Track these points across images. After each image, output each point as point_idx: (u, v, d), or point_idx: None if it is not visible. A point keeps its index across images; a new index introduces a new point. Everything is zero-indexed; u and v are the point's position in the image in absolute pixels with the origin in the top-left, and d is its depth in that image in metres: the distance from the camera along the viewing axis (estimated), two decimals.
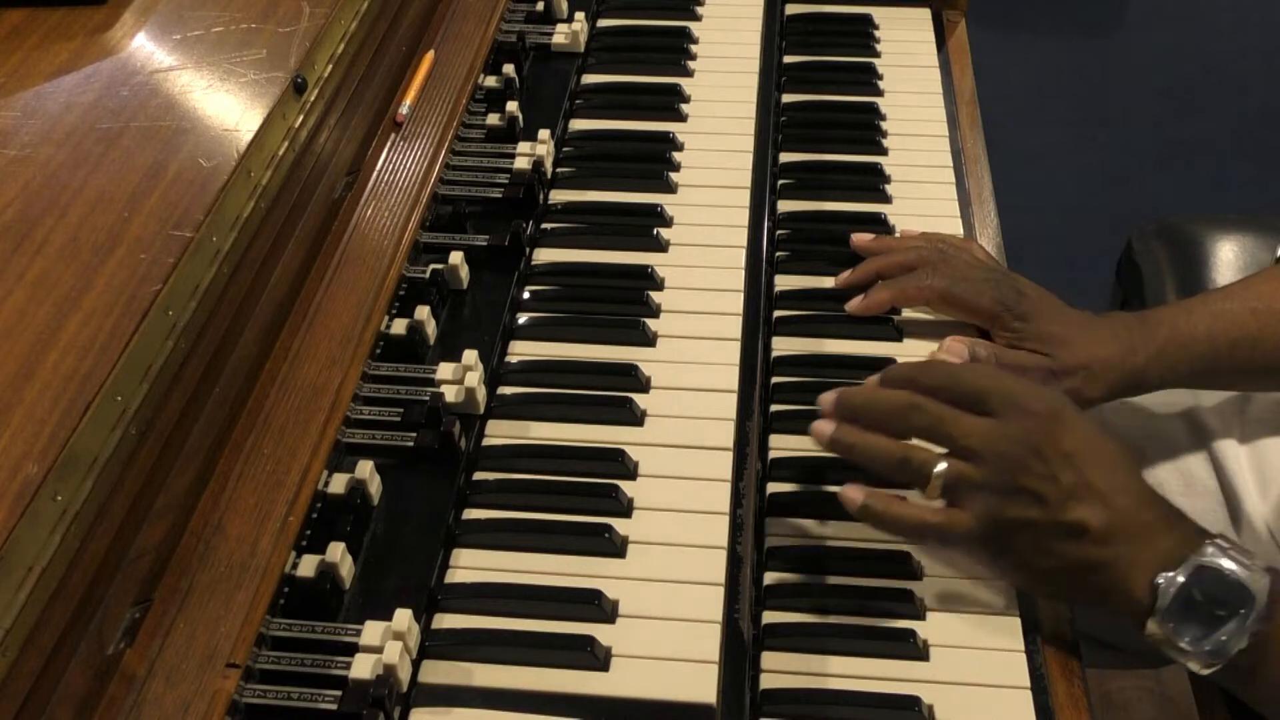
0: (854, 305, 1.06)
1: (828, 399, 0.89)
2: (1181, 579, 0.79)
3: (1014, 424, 0.83)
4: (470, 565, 0.84)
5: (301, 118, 0.92)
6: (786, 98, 1.32)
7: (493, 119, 1.13)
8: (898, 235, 1.13)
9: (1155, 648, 0.81)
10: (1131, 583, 0.81)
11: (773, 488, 0.95)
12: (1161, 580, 0.80)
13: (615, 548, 0.84)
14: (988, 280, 1.05)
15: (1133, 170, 2.78)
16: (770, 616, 0.86)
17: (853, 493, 0.86)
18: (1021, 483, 0.82)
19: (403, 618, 0.75)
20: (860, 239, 1.11)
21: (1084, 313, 1.06)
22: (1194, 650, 0.80)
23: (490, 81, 1.17)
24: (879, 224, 1.14)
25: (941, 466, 0.83)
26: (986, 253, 1.11)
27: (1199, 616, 0.79)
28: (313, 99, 0.94)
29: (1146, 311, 1.07)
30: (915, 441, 0.86)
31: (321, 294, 0.92)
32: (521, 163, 1.09)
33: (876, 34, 1.39)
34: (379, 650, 0.74)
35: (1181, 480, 1.15)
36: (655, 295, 1.03)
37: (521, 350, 0.99)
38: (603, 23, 1.35)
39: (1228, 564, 0.79)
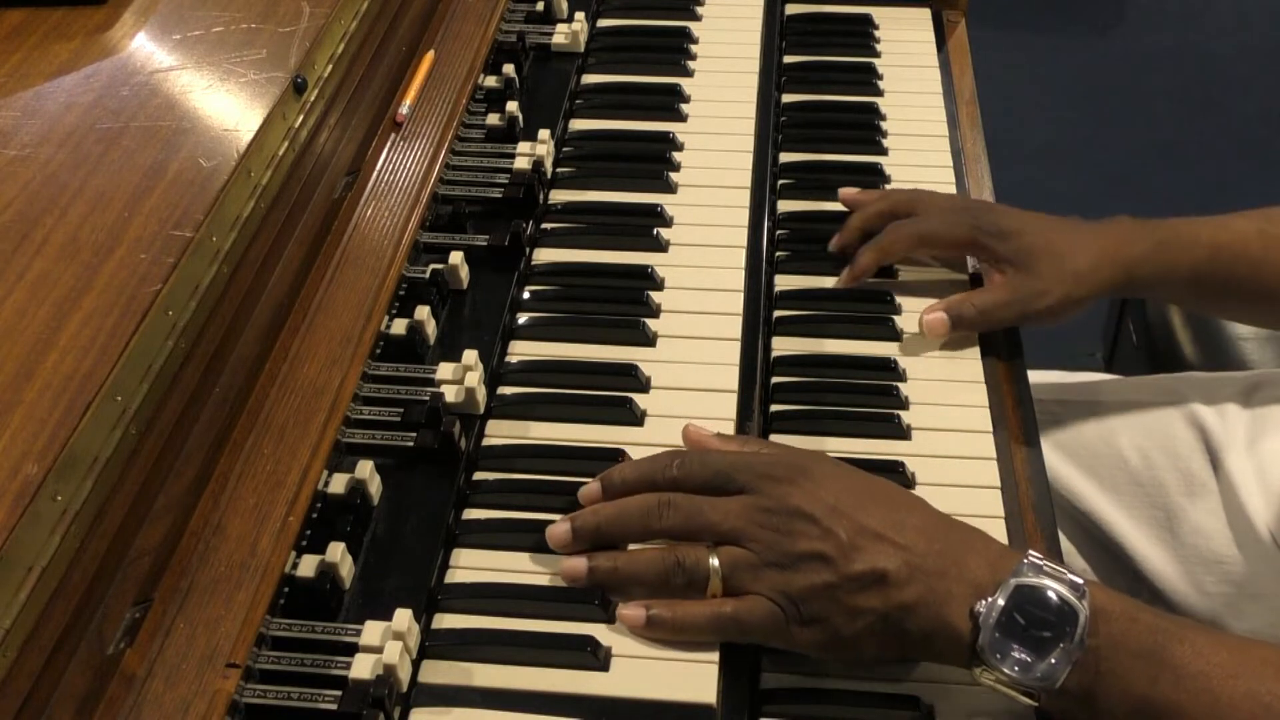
0: (843, 279, 1.08)
1: (559, 533, 0.82)
2: (1001, 603, 0.74)
3: (767, 494, 0.79)
4: (470, 565, 0.84)
5: (301, 118, 0.92)
6: (786, 98, 1.31)
7: (493, 119, 1.13)
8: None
9: (986, 688, 0.76)
10: (949, 617, 0.75)
11: None
12: (980, 608, 0.74)
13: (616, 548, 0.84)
14: (961, 210, 1.06)
15: (1133, 170, 2.78)
16: None
17: (632, 611, 0.79)
18: (799, 549, 0.77)
19: (403, 618, 0.75)
20: (847, 192, 1.13)
21: (1073, 219, 1.06)
22: (1024, 678, 0.73)
23: (490, 81, 1.17)
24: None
25: (714, 560, 0.78)
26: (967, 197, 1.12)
27: (1024, 641, 0.73)
28: (313, 99, 0.94)
29: (1153, 219, 1.06)
30: None
31: (321, 294, 0.92)
32: (521, 163, 1.09)
33: (876, 34, 1.39)
34: (379, 650, 0.74)
35: (1181, 480, 1.15)
36: (655, 295, 1.03)
37: (521, 350, 0.99)
38: (603, 23, 1.35)
39: (1046, 581, 0.75)
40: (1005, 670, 0.74)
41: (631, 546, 0.83)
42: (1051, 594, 0.74)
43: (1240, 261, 1.03)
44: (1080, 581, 0.75)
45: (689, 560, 0.79)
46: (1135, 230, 1.04)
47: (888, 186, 1.19)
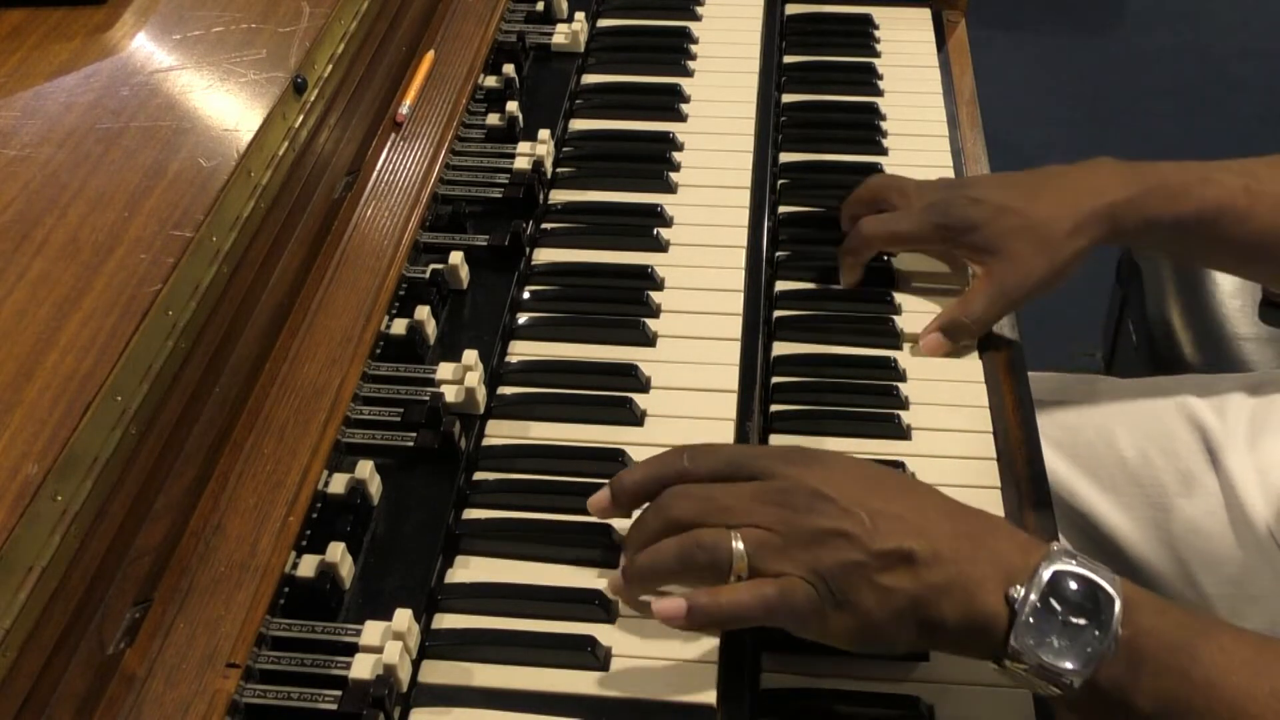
0: (843, 283, 1.08)
1: (614, 581, 0.80)
2: (1038, 589, 0.72)
3: (782, 476, 0.77)
4: (470, 565, 0.84)
5: (301, 118, 0.92)
6: (786, 98, 1.31)
7: (493, 119, 1.13)
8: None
9: (1013, 677, 0.74)
10: (983, 601, 0.73)
11: None
12: (1015, 593, 0.72)
13: (616, 547, 0.84)
14: (929, 206, 1.04)
15: None
16: None
17: (669, 604, 0.75)
18: (821, 525, 0.74)
19: (403, 618, 0.75)
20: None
21: (1052, 170, 1.05)
22: (1057, 665, 0.71)
23: (490, 81, 1.17)
24: None
25: (738, 543, 0.75)
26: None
27: (1058, 628, 0.72)
28: (313, 99, 0.94)
29: (1140, 162, 1.04)
30: None
31: (321, 294, 0.92)
32: (521, 163, 1.09)
33: (876, 34, 1.39)
34: (379, 650, 0.74)
35: (1181, 481, 1.14)
36: (655, 295, 1.03)
37: (521, 350, 0.99)
38: (603, 23, 1.35)
39: (1080, 569, 0.73)
40: (1040, 656, 0.72)
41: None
42: (1087, 581, 0.73)
43: (1225, 216, 1.01)
44: (1112, 573, 0.74)
45: (708, 539, 0.75)
46: (1117, 175, 1.02)
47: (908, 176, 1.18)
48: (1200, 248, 1.07)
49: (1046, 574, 0.73)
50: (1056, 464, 1.17)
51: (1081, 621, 0.72)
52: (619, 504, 0.81)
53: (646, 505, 0.80)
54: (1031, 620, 0.72)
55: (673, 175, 1.14)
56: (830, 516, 0.74)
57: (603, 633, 0.79)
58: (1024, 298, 1.03)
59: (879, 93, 1.31)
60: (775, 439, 0.97)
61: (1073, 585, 0.73)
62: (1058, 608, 0.72)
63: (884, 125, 1.27)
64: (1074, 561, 0.74)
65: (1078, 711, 0.75)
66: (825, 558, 0.74)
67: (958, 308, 1.03)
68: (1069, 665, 0.71)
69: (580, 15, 1.28)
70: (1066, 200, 1.02)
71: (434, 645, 0.78)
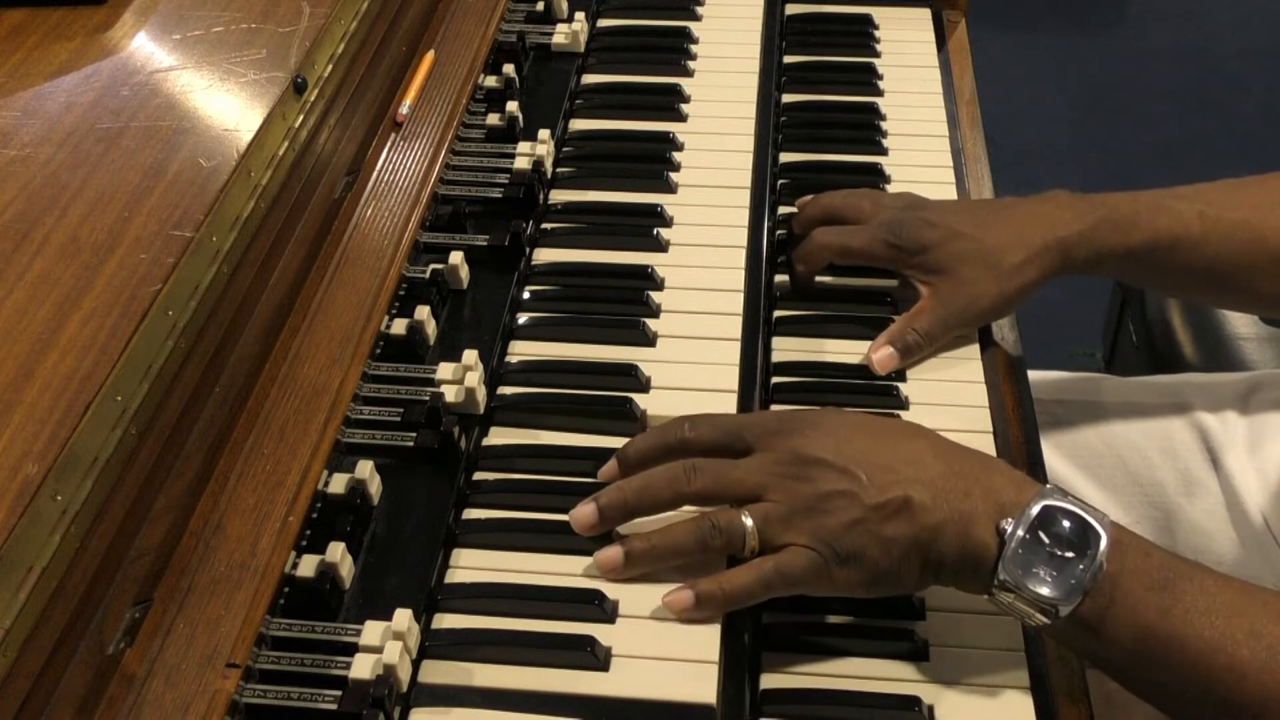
0: (793, 291, 1.09)
1: (585, 515, 0.83)
2: (1027, 521, 0.76)
3: (779, 447, 0.81)
4: (470, 565, 0.84)
5: (301, 118, 0.92)
6: (786, 98, 1.31)
7: (493, 119, 1.13)
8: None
9: (1004, 608, 0.78)
10: (975, 534, 0.77)
11: None
12: (1006, 525, 0.77)
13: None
14: (883, 225, 1.05)
15: (1133, 170, 2.78)
16: (770, 617, 0.86)
17: (678, 595, 0.80)
18: (822, 490, 0.79)
19: (403, 618, 0.75)
20: (801, 200, 1.13)
21: (1005, 201, 1.06)
22: (1043, 595, 0.75)
23: (490, 81, 1.17)
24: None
25: (747, 519, 0.79)
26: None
27: (1046, 560, 0.76)
28: (313, 99, 0.94)
29: (1093, 194, 1.05)
30: None
31: (321, 294, 0.92)
32: (521, 163, 1.09)
33: (876, 34, 1.39)
34: (379, 650, 0.73)
35: (1180, 480, 1.15)
36: (655, 295, 1.03)
37: (521, 350, 0.99)
38: (603, 23, 1.35)
39: (1070, 505, 0.77)
40: (1027, 586, 0.75)
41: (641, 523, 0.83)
42: (1076, 517, 0.76)
43: (1180, 245, 1.02)
44: (1101, 512, 0.77)
45: (723, 521, 0.80)
46: (1071, 208, 1.03)
47: (888, 187, 1.19)
48: (1156, 275, 1.08)
49: (1036, 508, 0.77)
50: (1056, 464, 1.17)
51: (1069, 555, 0.75)
52: (626, 472, 0.85)
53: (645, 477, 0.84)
54: (1020, 551, 0.76)
55: (673, 175, 1.14)
56: (829, 480, 0.79)
57: (603, 633, 0.79)
58: (969, 321, 1.03)
59: (879, 93, 1.31)
60: None
61: (1062, 520, 0.76)
62: (1046, 540, 0.76)
63: (884, 125, 1.27)
64: (1065, 499, 0.77)
65: (1061, 641, 0.80)
66: (828, 521, 0.78)
67: (906, 322, 1.03)
68: (1053, 594, 0.75)
69: (580, 15, 1.28)
70: (1018, 231, 1.02)
71: (434, 645, 0.78)
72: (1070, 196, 1.04)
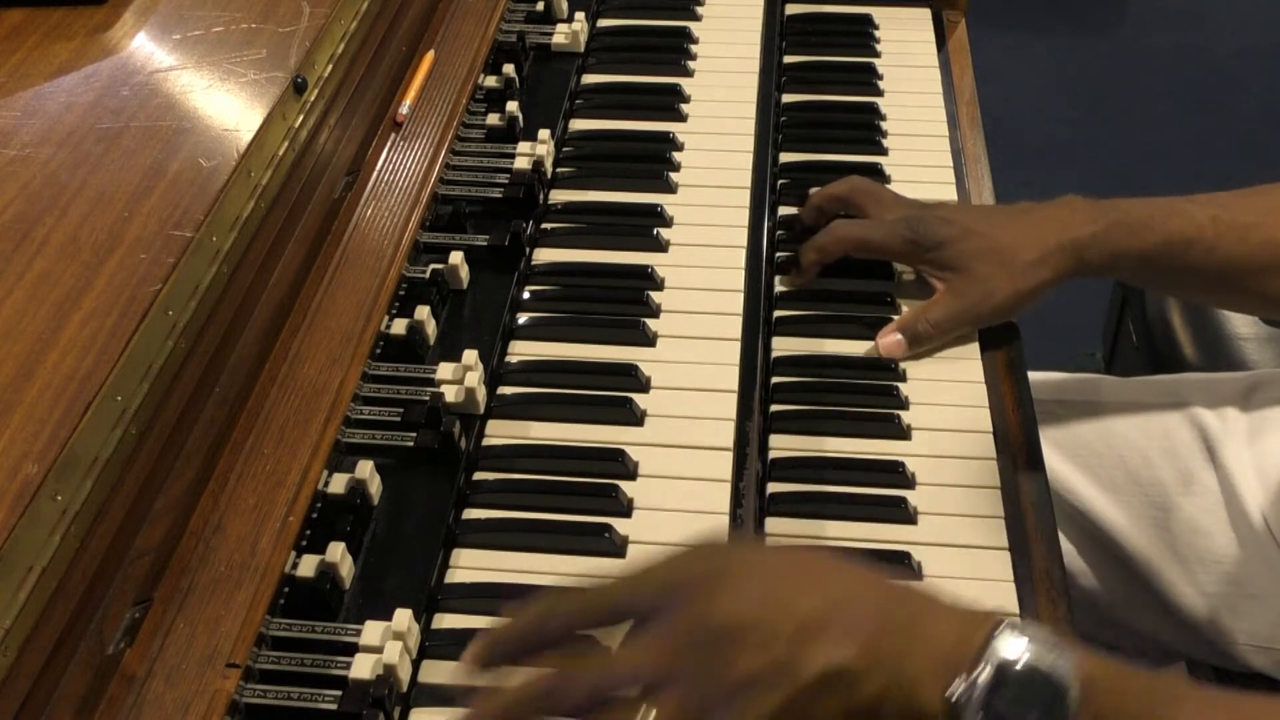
0: (796, 281, 1.09)
1: None
2: (981, 684, 0.63)
3: (682, 614, 0.65)
4: (470, 565, 0.84)
5: (301, 118, 0.92)
6: (786, 98, 1.31)
7: (493, 119, 1.13)
8: None
9: None
10: (921, 702, 0.64)
11: (773, 488, 0.94)
12: (957, 692, 0.64)
13: (615, 547, 0.84)
14: (902, 220, 1.06)
15: (1133, 170, 2.78)
16: None
17: None
18: (738, 675, 0.64)
19: (403, 618, 0.75)
20: (815, 190, 1.13)
21: (1021, 205, 1.06)
22: None
23: (490, 81, 1.17)
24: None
25: (651, 716, 0.64)
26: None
27: None
28: (313, 99, 0.94)
29: (1107, 200, 1.05)
30: None
31: (321, 294, 0.92)
32: (521, 163, 1.09)
33: (876, 34, 1.39)
34: (379, 650, 0.74)
35: (1180, 480, 1.14)
36: (655, 295, 1.03)
37: (521, 350, 0.99)
38: (603, 23, 1.35)
39: (1028, 653, 0.64)
40: None
41: None
42: (1037, 668, 0.64)
43: (1192, 247, 1.02)
44: (1065, 648, 0.65)
45: None
46: (1084, 212, 1.03)
47: (888, 187, 1.19)
48: (1168, 278, 1.09)
49: (988, 669, 0.64)
50: (1056, 463, 1.17)
51: (1033, 716, 0.64)
52: (487, 669, 0.70)
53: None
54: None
55: (673, 175, 1.14)
56: (746, 658, 0.64)
57: (603, 633, 0.79)
58: (982, 316, 1.04)
59: (879, 93, 1.31)
60: (775, 439, 0.97)
61: (1020, 676, 0.64)
62: (1003, 708, 0.64)
63: (884, 125, 1.26)
64: (1023, 641, 0.65)
65: None
66: (750, 711, 0.64)
67: (919, 312, 1.04)
68: None
69: (580, 15, 1.28)
70: (1033, 233, 1.03)
71: (434, 645, 0.78)
72: (1084, 201, 1.05)
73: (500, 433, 0.92)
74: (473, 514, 0.87)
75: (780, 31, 1.40)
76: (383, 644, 0.74)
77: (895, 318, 1.06)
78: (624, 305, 1.02)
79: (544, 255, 1.07)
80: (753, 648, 0.64)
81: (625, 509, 0.87)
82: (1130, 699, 0.66)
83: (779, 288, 1.10)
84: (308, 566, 0.77)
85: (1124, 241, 1.02)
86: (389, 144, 1.06)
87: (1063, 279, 1.03)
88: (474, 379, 0.90)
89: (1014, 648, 0.64)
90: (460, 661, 0.70)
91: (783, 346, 1.05)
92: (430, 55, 1.15)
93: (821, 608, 0.65)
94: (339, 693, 0.72)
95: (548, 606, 0.70)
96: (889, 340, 1.03)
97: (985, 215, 1.06)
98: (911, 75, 1.34)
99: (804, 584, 0.67)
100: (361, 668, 0.73)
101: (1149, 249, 1.02)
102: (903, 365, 1.02)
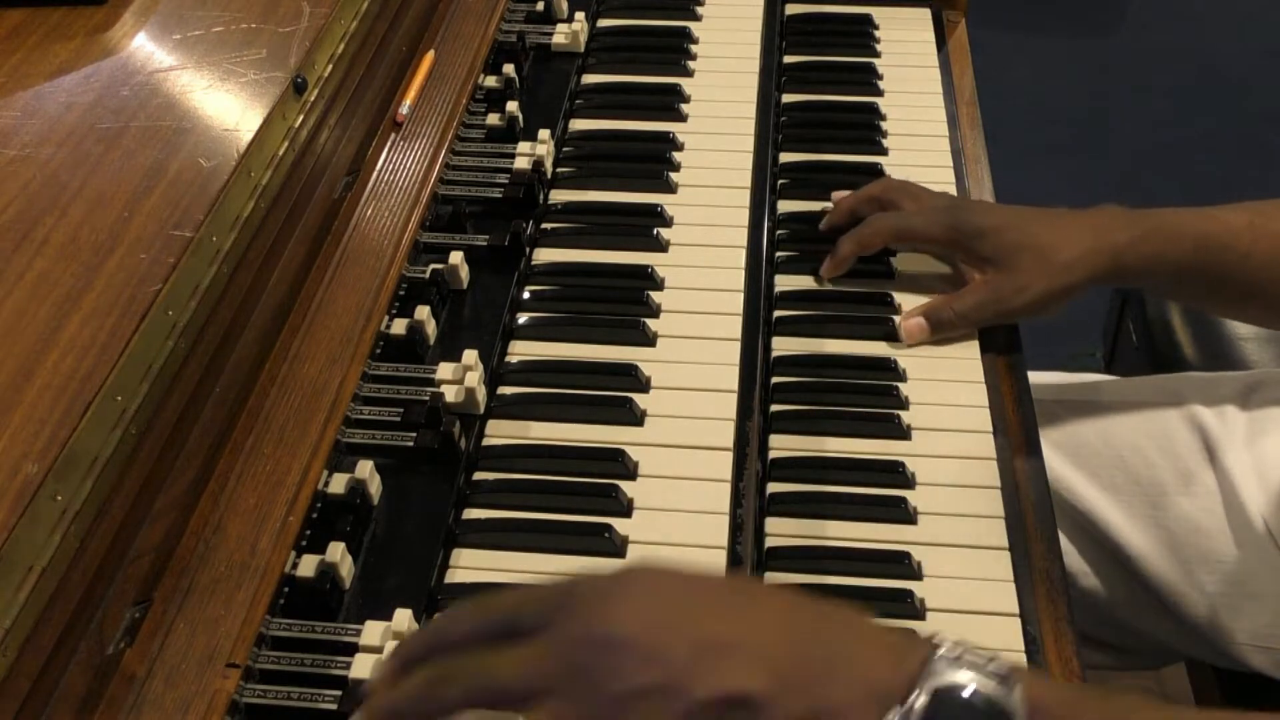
0: (825, 269, 1.09)
1: None
2: (917, 710, 0.58)
3: (569, 624, 0.61)
4: (470, 565, 0.84)
5: (301, 118, 0.92)
6: (786, 98, 1.31)
7: (493, 119, 1.13)
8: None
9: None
10: None
11: (773, 488, 0.95)
12: None
13: (615, 547, 0.84)
14: (943, 209, 1.07)
15: (1133, 170, 2.78)
16: None
17: None
18: (624, 687, 0.59)
19: (403, 618, 0.75)
20: (840, 194, 1.13)
21: (1059, 210, 1.06)
22: None
23: (490, 81, 1.17)
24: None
25: None
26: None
27: None
28: (313, 99, 0.94)
29: (1143, 209, 1.05)
30: None
31: (321, 294, 0.92)
32: (521, 163, 1.09)
33: (876, 34, 1.39)
34: (379, 650, 0.74)
35: (1180, 480, 1.14)
36: (655, 295, 1.03)
37: (521, 350, 0.99)
38: (603, 23, 1.35)
39: (968, 679, 0.59)
40: None
41: None
42: (978, 696, 0.59)
43: (1228, 253, 1.02)
44: (1008, 672, 0.60)
45: None
46: (1122, 218, 1.04)
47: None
48: (1202, 287, 1.08)
49: (927, 695, 0.59)
50: (1056, 463, 1.17)
51: None
52: (398, 679, 0.66)
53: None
54: None
55: (673, 175, 1.14)
56: (633, 672, 0.59)
57: None
58: (1013, 311, 1.04)
59: (879, 93, 1.31)
60: (775, 439, 0.97)
61: (962, 705, 0.59)
62: None
63: (884, 125, 1.27)
64: (960, 666, 0.60)
65: None
66: None
67: (947, 299, 1.05)
68: None
69: (580, 15, 1.28)
70: (1072, 234, 1.03)
71: None
72: (1121, 209, 1.05)
73: (500, 433, 0.92)
74: (473, 514, 0.87)
75: (780, 31, 1.40)
76: (383, 644, 0.74)
77: (895, 318, 1.06)
78: (624, 305, 1.02)
79: (544, 255, 1.07)
80: (643, 661, 0.59)
81: (625, 509, 0.87)
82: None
83: (779, 287, 1.10)
84: (308, 566, 0.77)
85: (1161, 248, 1.02)
86: (389, 144, 1.06)
87: (1096, 283, 1.03)
88: (474, 379, 0.90)
89: (952, 674, 0.60)
90: (371, 682, 0.68)
91: (783, 346, 1.05)
92: (430, 55, 1.15)
93: (729, 630, 0.61)
94: (339, 693, 0.72)
95: (448, 617, 0.68)
96: (912, 323, 1.03)
97: (1024, 213, 1.06)
98: (911, 75, 1.34)
99: (714, 605, 0.63)
100: (361, 668, 0.73)
101: (1185, 255, 1.02)
102: (903, 365, 1.02)
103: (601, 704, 0.59)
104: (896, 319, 1.06)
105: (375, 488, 0.84)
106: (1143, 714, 0.65)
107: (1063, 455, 1.18)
